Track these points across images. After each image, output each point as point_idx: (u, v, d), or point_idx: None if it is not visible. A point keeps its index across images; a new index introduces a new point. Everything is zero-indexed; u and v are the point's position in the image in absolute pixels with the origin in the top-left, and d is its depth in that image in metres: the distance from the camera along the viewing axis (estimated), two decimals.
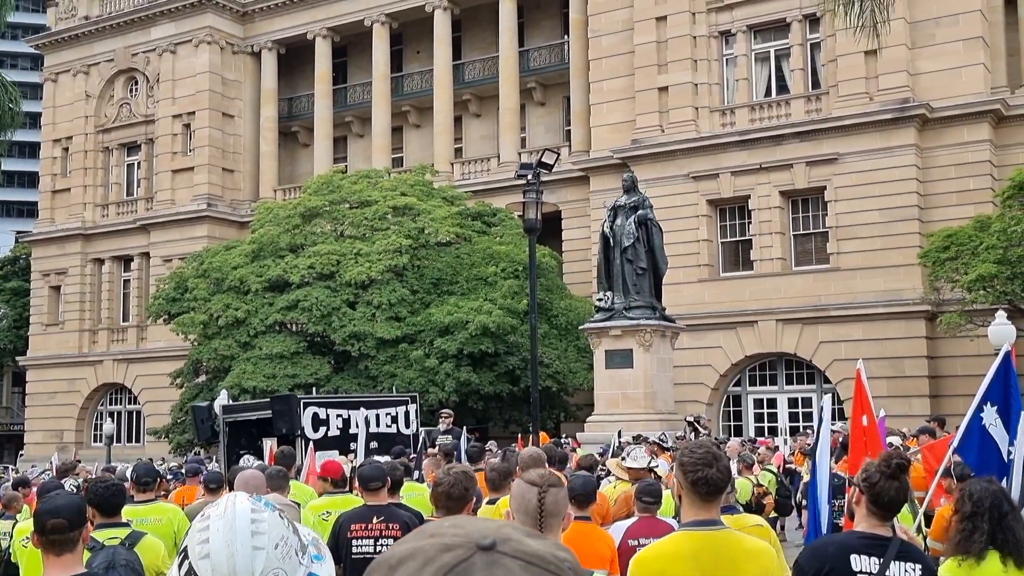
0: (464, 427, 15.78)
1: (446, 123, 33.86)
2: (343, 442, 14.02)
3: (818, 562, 3.41)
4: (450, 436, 13.67)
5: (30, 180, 62.19)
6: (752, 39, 26.98)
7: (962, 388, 20.68)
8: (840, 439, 11.28)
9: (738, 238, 26.51)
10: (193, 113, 36.58)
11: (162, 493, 9.44)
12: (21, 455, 39.14)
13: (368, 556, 5.45)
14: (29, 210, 61.03)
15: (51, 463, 20.53)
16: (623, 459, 8.21)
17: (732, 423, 26.21)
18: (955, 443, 5.97)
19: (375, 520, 5.62)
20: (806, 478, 10.48)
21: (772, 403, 26.00)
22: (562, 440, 17.80)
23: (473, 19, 34.98)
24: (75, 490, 8.59)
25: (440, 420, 15.79)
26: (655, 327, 18.92)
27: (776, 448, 16.86)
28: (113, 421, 36.92)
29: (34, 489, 10.49)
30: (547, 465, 7.99)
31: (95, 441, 37.68)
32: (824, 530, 5.77)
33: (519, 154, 31.78)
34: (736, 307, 25.51)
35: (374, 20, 34.85)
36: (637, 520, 5.63)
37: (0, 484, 13.29)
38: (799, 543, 12.18)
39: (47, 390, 38.68)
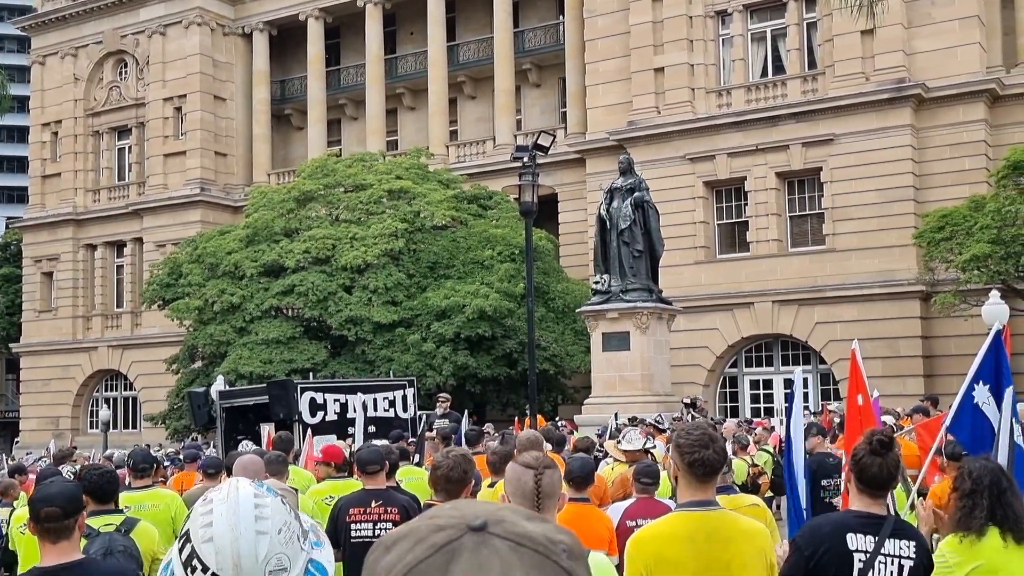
0: (465, 411, 15.82)
1: (441, 105, 33.68)
2: (341, 427, 14.03)
3: (815, 541, 3.44)
4: (447, 420, 13.69)
5: (19, 165, 61.78)
6: (748, 19, 26.85)
7: (956, 368, 20.76)
8: (836, 419, 11.33)
9: (734, 220, 26.50)
10: (184, 96, 36.32)
11: (159, 479, 9.45)
12: (16, 442, 39.17)
13: (367, 540, 5.46)
14: (19, 195, 60.65)
15: (47, 450, 20.56)
16: (619, 441, 8.24)
17: (728, 404, 26.32)
18: (947, 421, 5.99)
19: (374, 504, 5.63)
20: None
21: (768, 384, 26.10)
22: (558, 423, 17.85)
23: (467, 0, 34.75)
24: (72, 477, 8.60)
25: (437, 404, 15.81)
26: (652, 309, 18.94)
27: (772, 428, 16.94)
28: (109, 407, 36.92)
29: (31, 476, 10.50)
30: (546, 447, 8.02)
31: (91, 428, 37.70)
32: (805, 511, 5.79)
33: (515, 136, 31.67)
34: (732, 289, 25.55)
35: (367, 1, 34.58)
36: (635, 501, 5.66)
37: None
38: None
39: (41, 377, 38.64)
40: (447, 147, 33.50)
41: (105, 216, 37.91)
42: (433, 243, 26.64)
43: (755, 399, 26.17)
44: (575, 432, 15.13)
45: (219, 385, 17.17)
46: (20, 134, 58.73)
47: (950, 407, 6.01)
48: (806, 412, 18.59)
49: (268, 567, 1.42)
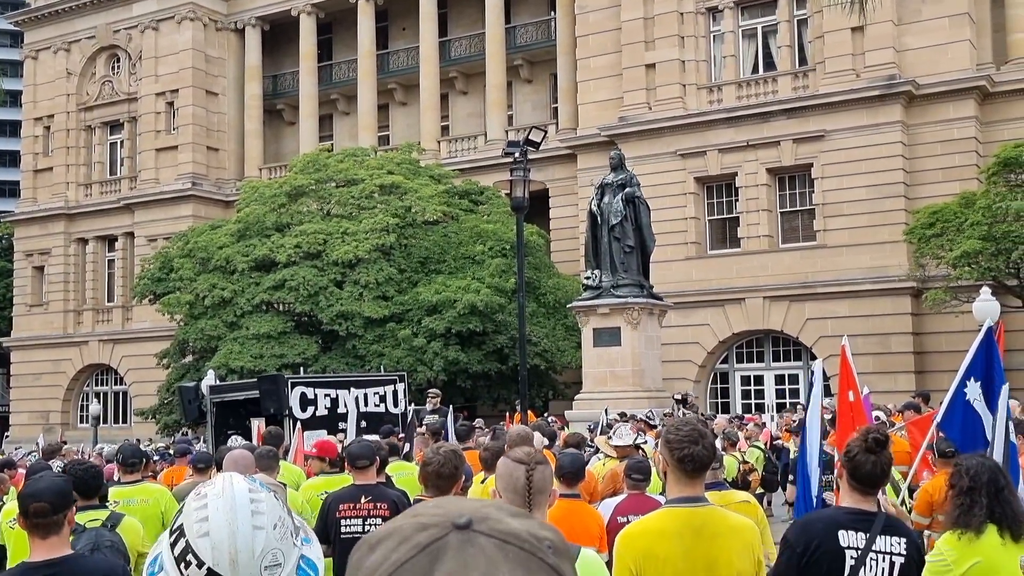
0: (451, 406, 15.80)
1: (432, 101, 33.62)
2: (331, 422, 14.02)
3: (806, 538, 3.44)
4: (437, 416, 13.69)
5: (11, 159, 61.41)
6: (739, 15, 26.87)
7: (947, 364, 20.86)
8: (827, 415, 11.34)
9: (725, 215, 26.54)
10: (176, 91, 36.17)
11: (149, 474, 9.41)
12: (7, 436, 38.98)
13: (357, 536, 5.46)
14: (11, 190, 60.31)
15: (37, 444, 20.45)
16: (610, 437, 8.25)
17: (720, 400, 26.39)
18: (938, 418, 6.01)
19: (363, 500, 5.62)
20: (794, 454, 10.57)
21: (759, 380, 26.18)
22: (547, 418, 17.86)
23: None
24: (61, 471, 8.56)
25: (428, 400, 15.80)
26: (643, 305, 18.97)
27: (763, 425, 16.99)
28: (99, 402, 36.78)
29: (21, 471, 10.45)
30: (542, 440, 8.01)
31: (81, 422, 37.55)
32: (814, 503, 5.79)
33: (506, 132, 31.63)
34: (723, 284, 25.60)
35: None
36: (626, 497, 5.66)
37: None
38: (786, 519, 12.30)
39: (32, 371, 38.46)
40: (438, 142, 33.45)
41: (97, 210, 37.74)
42: (424, 238, 26.60)
43: (746, 395, 26.25)
44: (565, 428, 15.15)
45: (210, 380, 17.14)
46: (13, 128, 58.33)
47: (941, 404, 6.03)
48: (795, 408, 18.67)
49: (264, 562, 1.42)
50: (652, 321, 19.49)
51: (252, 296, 26.08)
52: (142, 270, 30.54)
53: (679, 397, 18.65)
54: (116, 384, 37.80)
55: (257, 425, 12.96)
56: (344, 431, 13.61)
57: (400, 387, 15.77)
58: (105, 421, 36.38)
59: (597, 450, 9.35)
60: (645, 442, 8.44)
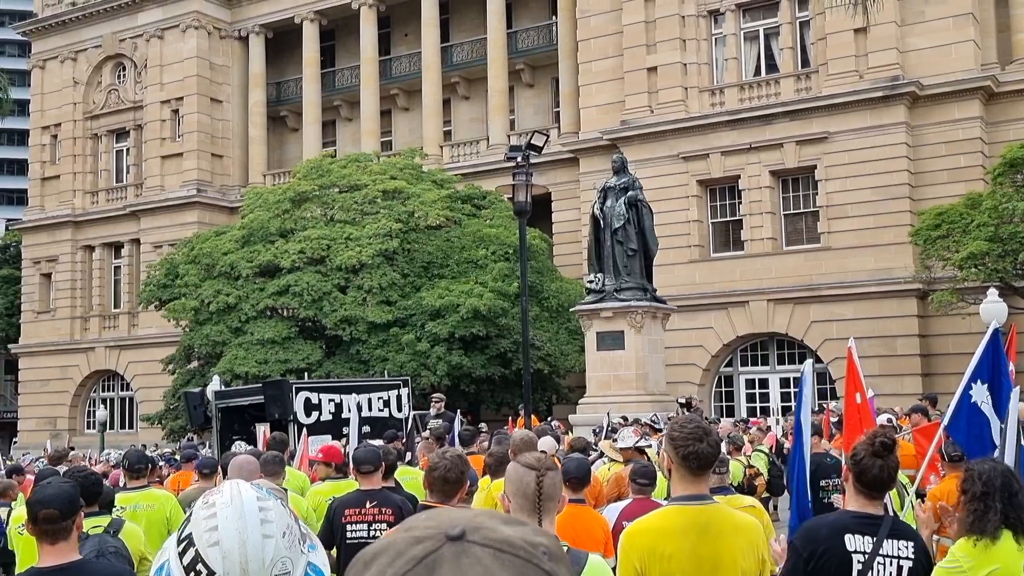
0: (459, 411, 15.81)
1: (435, 106, 33.68)
2: (336, 427, 14.01)
3: (813, 542, 3.42)
4: (441, 420, 13.69)
5: (19, 168, 61.68)
6: (741, 18, 26.87)
7: (954, 366, 20.80)
8: (834, 418, 11.33)
9: (728, 218, 26.52)
10: (181, 99, 36.32)
11: (155, 479, 9.43)
12: (15, 443, 39.09)
13: (362, 540, 5.46)
14: (19, 198, 60.57)
15: (45, 450, 20.51)
16: (615, 440, 8.25)
17: (724, 404, 26.33)
18: (945, 421, 5.98)
19: (368, 505, 5.62)
20: None
21: (764, 383, 26.12)
22: (551, 423, 17.84)
23: (461, 1, 34.73)
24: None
25: (431, 404, 15.80)
26: (646, 308, 18.95)
27: (768, 428, 16.94)
28: (106, 408, 36.87)
29: (29, 476, 10.48)
30: (552, 444, 8.01)
31: (88, 428, 37.63)
32: (807, 511, 5.73)
33: (508, 136, 31.66)
34: (727, 287, 25.56)
35: (361, 3, 34.56)
36: (631, 502, 5.66)
37: None
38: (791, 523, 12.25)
39: (40, 377, 38.58)
40: (441, 147, 33.50)
41: (103, 218, 37.89)
42: (427, 243, 26.63)
43: (751, 398, 26.19)
44: (569, 432, 15.13)
45: (215, 385, 17.15)
46: (20, 137, 58.61)
47: (947, 409, 6.00)
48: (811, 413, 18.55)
49: (274, 571, 1.42)
50: (656, 324, 19.47)
51: (256, 302, 26.14)
52: (148, 276, 30.61)
53: (683, 401, 18.62)
54: (123, 390, 37.88)
55: (262, 430, 12.97)
56: (347, 436, 13.61)
57: (404, 392, 15.77)
58: (112, 427, 36.46)
59: (601, 454, 9.34)
60: (649, 446, 8.42)
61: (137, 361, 35.82)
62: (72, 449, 18.95)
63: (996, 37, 25.18)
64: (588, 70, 29.00)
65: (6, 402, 48.14)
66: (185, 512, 6.86)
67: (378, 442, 9.13)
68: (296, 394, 14.41)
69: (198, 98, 36.09)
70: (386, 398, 15.32)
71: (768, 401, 25.66)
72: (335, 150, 35.33)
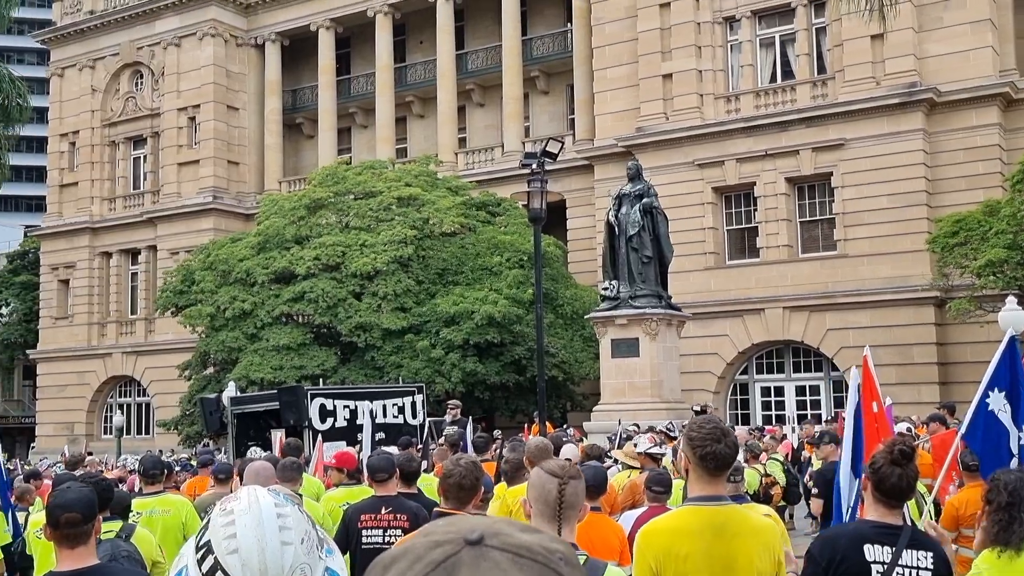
0: (470, 417, 15.80)
1: (450, 113, 33.79)
2: (350, 433, 14.05)
3: (831, 552, 3.40)
4: (457, 427, 13.70)
5: (38, 174, 62.34)
6: (756, 24, 26.81)
7: (972, 375, 20.59)
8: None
9: (744, 225, 26.42)
10: (198, 106, 36.62)
11: (171, 485, 9.49)
12: (33, 448, 39.41)
13: (377, 546, 5.47)
14: (37, 204, 61.18)
15: (62, 455, 20.66)
16: (636, 445, 8.24)
17: (739, 412, 26.19)
18: (962, 429, 5.92)
19: (384, 511, 5.64)
20: (816, 466, 10.45)
21: (779, 391, 25.96)
22: (566, 430, 17.81)
23: (476, 8, 34.85)
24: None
25: (448, 411, 15.81)
26: (661, 316, 18.89)
27: (784, 437, 16.84)
28: (123, 413, 37.11)
29: (47, 481, 10.57)
30: (572, 450, 7.99)
31: (105, 433, 37.90)
32: (845, 515, 5.69)
33: (523, 143, 31.69)
34: (742, 295, 25.46)
35: (377, 10, 34.75)
36: (647, 509, 5.64)
37: (13, 477, 13.38)
38: (808, 532, 12.17)
39: (57, 383, 38.90)
40: (456, 154, 33.59)
41: (120, 224, 38.21)
42: (442, 250, 26.68)
43: (766, 406, 26.04)
44: (584, 439, 15.09)
45: (230, 391, 17.25)
46: (39, 144, 59.24)
47: (965, 415, 5.95)
48: (825, 422, 18.44)
49: None
50: (670, 332, 19.41)
51: (272, 308, 26.26)
52: (164, 283, 30.83)
53: (698, 408, 18.49)
54: (139, 396, 38.14)
55: (278, 436, 13.02)
56: (361, 442, 13.64)
57: (419, 398, 15.79)
58: (128, 432, 36.69)
59: (615, 462, 9.31)
60: (663, 454, 8.39)
61: (153, 367, 36.06)
62: (90, 454, 19.09)
63: (1015, 43, 25.00)
64: (603, 77, 29.01)
65: (24, 407, 48.55)
66: (201, 517, 6.89)
67: (393, 449, 9.15)
68: (311, 400, 14.47)
69: (214, 105, 36.37)
70: (401, 405, 15.35)
71: (784, 409, 25.50)
72: (350, 157, 35.49)
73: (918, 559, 3.34)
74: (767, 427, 20.15)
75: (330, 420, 14.42)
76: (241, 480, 6.87)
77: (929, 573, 3.33)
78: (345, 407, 14.69)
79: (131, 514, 6.15)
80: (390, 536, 5.52)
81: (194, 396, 26.59)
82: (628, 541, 5.01)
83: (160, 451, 24.65)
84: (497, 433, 17.52)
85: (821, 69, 26.05)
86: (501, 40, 33.09)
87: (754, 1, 26.47)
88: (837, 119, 24.80)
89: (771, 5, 26.41)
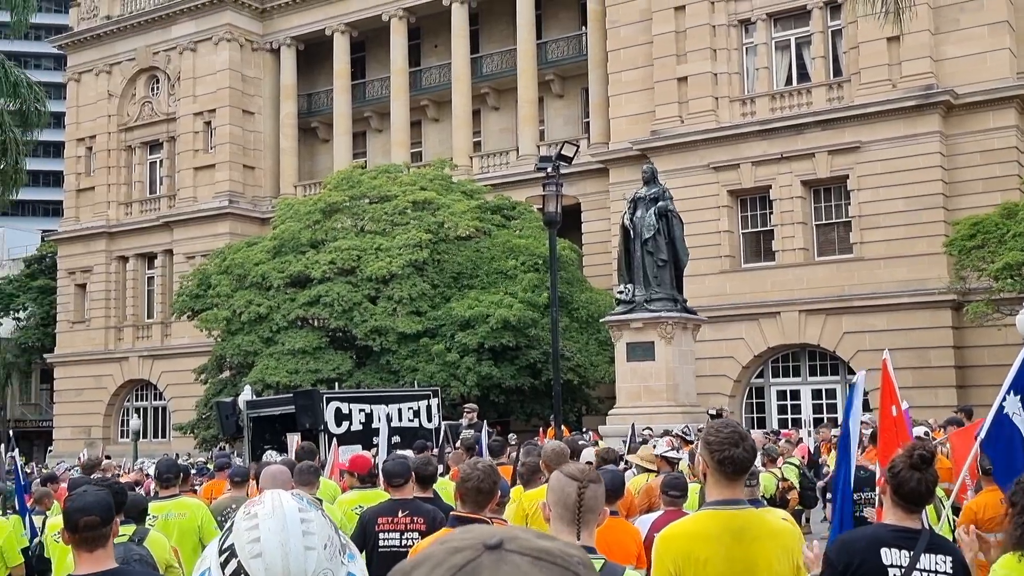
0: (485, 421, 15.80)
1: (464, 117, 33.85)
2: (366, 437, 14.09)
3: (848, 555, 3.38)
4: (473, 431, 13.70)
5: (55, 179, 62.92)
6: (772, 27, 26.72)
7: (989, 378, 20.41)
8: (867, 431, 11.18)
9: (759, 229, 26.31)
10: (214, 110, 36.85)
11: (188, 488, 9.55)
12: (50, 451, 39.73)
13: (395, 549, 5.49)
14: (55, 209, 61.77)
15: (79, 459, 20.80)
16: (654, 447, 8.24)
17: (755, 415, 26.07)
18: (981, 434, 5.87)
19: (400, 514, 5.65)
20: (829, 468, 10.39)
21: (795, 395, 25.82)
22: (584, 433, 17.79)
23: (490, 12, 34.92)
24: None
25: (464, 415, 15.81)
26: (676, 319, 18.84)
27: (799, 440, 16.75)
28: (139, 417, 37.37)
29: (63, 485, 10.65)
30: (588, 453, 7.99)
31: (122, 437, 38.14)
32: (850, 520, 5.65)
33: (538, 147, 31.72)
34: (758, 298, 25.34)
35: (391, 15, 34.89)
36: (663, 513, 5.63)
37: (30, 480, 13.49)
38: (824, 535, 12.09)
39: (74, 387, 39.20)
40: (471, 158, 33.64)
41: (137, 229, 38.49)
42: (457, 253, 26.72)
43: (782, 410, 25.90)
44: (599, 443, 15.06)
45: (246, 395, 17.34)
46: (56, 149, 59.83)
47: (984, 421, 5.89)
48: (831, 423, 18.34)
49: None
50: (686, 335, 19.35)
51: (288, 312, 26.37)
52: (180, 287, 31.02)
53: (714, 412, 18.43)
54: (156, 399, 38.39)
55: (294, 440, 13.07)
56: (377, 446, 13.67)
57: (434, 402, 15.81)
58: (145, 436, 36.93)
59: (630, 465, 9.29)
60: (679, 459, 8.36)
61: (170, 371, 36.28)
62: (108, 458, 19.22)
63: None
64: (618, 80, 28.99)
65: (42, 411, 48.98)
66: (217, 521, 6.92)
67: (408, 452, 9.16)
68: (327, 404, 14.52)
69: (230, 110, 36.60)
70: (416, 408, 15.38)
71: (800, 413, 25.35)
72: (365, 161, 35.63)
73: (936, 563, 3.31)
74: (783, 431, 20.05)
75: (346, 424, 14.47)
76: (257, 484, 6.90)
77: None
78: (361, 411, 14.73)
79: (147, 518, 6.19)
80: (407, 539, 5.54)
81: (210, 400, 26.73)
82: (644, 546, 5.00)
83: (177, 455, 24.79)
84: (512, 437, 17.52)
85: (837, 72, 25.93)
86: (516, 44, 33.14)
87: (769, 4, 26.39)
88: (853, 122, 24.67)
89: (786, 8, 26.32)
